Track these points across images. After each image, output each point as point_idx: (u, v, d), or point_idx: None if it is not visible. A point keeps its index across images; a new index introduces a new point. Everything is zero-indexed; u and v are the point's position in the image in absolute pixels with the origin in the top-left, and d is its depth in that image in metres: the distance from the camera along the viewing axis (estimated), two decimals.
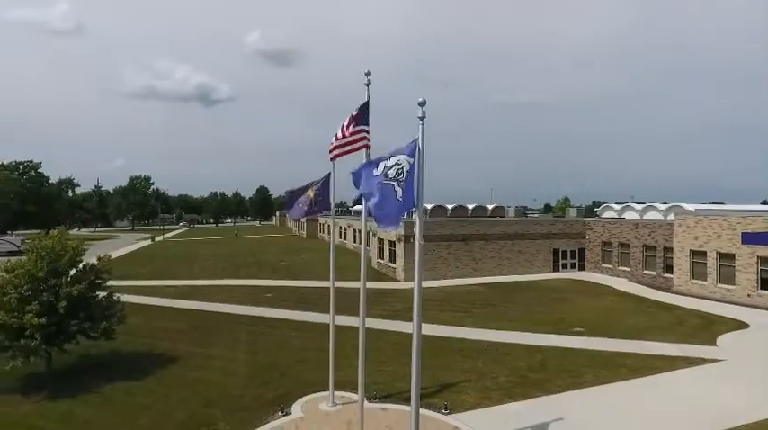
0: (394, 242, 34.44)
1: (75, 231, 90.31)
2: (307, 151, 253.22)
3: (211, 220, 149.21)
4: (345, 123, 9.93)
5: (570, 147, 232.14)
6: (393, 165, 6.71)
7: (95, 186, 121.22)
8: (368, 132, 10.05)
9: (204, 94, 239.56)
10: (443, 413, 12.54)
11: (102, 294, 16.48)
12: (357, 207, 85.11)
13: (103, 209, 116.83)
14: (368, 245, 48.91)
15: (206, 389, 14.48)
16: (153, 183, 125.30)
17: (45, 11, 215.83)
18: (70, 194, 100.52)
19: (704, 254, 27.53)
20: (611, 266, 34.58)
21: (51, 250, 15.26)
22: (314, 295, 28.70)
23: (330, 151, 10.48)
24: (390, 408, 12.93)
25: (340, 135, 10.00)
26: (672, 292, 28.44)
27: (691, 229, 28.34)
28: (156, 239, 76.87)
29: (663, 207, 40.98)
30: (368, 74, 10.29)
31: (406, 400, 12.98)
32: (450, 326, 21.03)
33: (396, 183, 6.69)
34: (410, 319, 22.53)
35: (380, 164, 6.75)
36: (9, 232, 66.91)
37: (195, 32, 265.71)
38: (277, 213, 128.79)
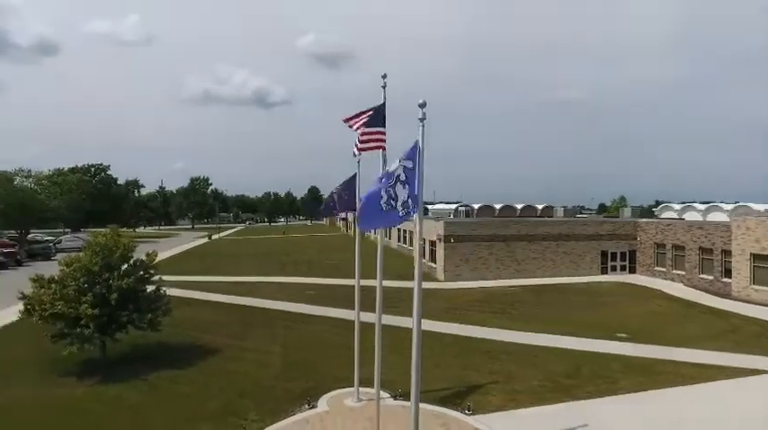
0: (435, 242, 34.41)
1: (141, 229, 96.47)
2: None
3: (265, 219, 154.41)
4: (360, 121, 10.08)
5: (633, 146, 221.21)
6: (394, 172, 6.89)
7: (159, 187, 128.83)
8: (384, 134, 10.24)
9: (261, 97, 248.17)
10: (466, 414, 12.54)
11: (150, 288, 17.68)
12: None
13: (166, 208, 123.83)
14: (409, 244, 48.82)
15: (241, 379, 15.21)
16: (211, 184, 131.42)
17: (117, 22, 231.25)
18: (136, 194, 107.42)
19: (767, 258, 25.65)
20: (664, 269, 32.86)
21: (105, 247, 16.52)
22: (353, 292, 29.23)
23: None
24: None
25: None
26: (730, 298, 26.69)
27: (752, 231, 26.47)
28: (213, 237, 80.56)
29: (728, 207, 38.47)
30: (384, 76, 10.54)
31: (431, 400, 13.16)
32: (484, 328, 20.85)
33: (383, 189, 6.84)
34: (447, 320, 22.72)
35: (386, 175, 6.91)
36: (82, 229, 72.56)
37: (253, 38, 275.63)
38: None
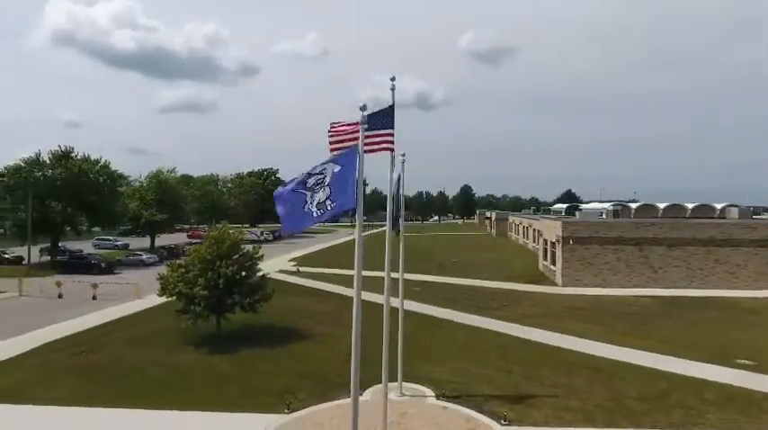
0: (554, 243, 32.12)
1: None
2: (521, 150, 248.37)
3: (417, 218, 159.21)
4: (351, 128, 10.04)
5: None
6: (316, 174, 7.29)
7: None
8: (393, 135, 10.42)
9: (422, 99, 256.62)
10: (501, 423, 12.04)
11: (258, 275, 20.43)
12: (557, 206, 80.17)
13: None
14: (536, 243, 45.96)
15: (312, 363, 16.76)
16: (367, 184, 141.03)
17: (299, 41, 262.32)
18: None
19: None
20: None
21: (217, 239, 19.66)
22: (460, 292, 29.19)
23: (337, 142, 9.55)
24: (451, 409, 12.99)
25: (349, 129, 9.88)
26: None
27: None
28: (363, 234, 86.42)
29: None
30: (393, 79, 10.75)
31: (471, 404, 12.94)
32: (576, 338, 19.19)
33: (309, 194, 7.22)
34: (538, 326, 21.53)
35: (306, 177, 7.32)
36: (256, 225, 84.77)
37: (414, 42, 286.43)
38: (477, 212, 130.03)
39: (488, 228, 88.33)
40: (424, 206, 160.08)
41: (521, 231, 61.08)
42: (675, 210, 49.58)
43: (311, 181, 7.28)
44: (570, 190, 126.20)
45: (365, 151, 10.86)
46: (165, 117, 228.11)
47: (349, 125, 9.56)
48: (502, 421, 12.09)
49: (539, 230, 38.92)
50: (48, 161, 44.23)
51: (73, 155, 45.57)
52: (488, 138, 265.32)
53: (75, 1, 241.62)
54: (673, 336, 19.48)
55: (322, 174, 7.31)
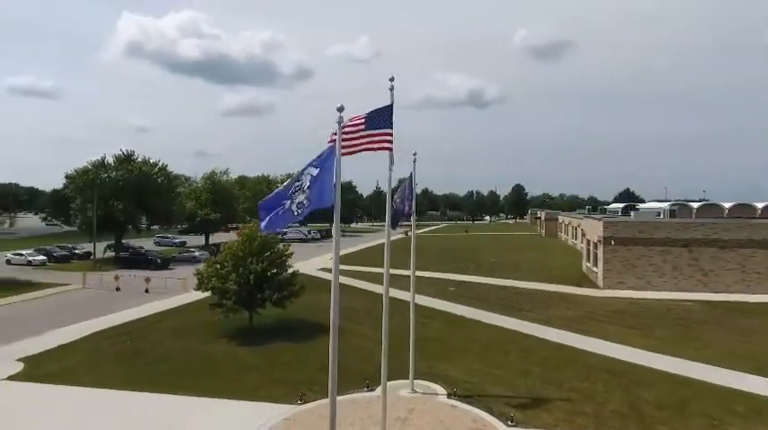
0: (596, 244, 30.93)
1: (354, 224, 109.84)
2: (579, 147, 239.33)
3: (467, 217, 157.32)
4: (360, 121, 10.27)
5: None
6: (296, 182, 7.62)
7: (375, 188, 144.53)
8: (391, 135, 10.56)
9: (475, 97, 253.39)
10: (507, 424, 11.96)
11: (288, 272, 21.22)
12: (613, 206, 76.68)
13: (378, 206, 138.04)
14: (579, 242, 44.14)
15: None
16: (417, 184, 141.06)
17: (352, 44, 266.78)
18: (359, 194, 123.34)
19: None
20: None
21: (248, 237, 20.63)
22: (493, 293, 28.82)
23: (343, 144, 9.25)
24: (460, 408, 13.03)
25: (353, 130, 10.15)
26: None
27: None
28: (408, 234, 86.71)
29: None
30: (392, 79, 10.91)
31: (481, 404, 12.92)
32: (603, 341, 18.56)
33: (289, 202, 7.56)
34: (569, 329, 21.00)
35: (288, 186, 7.67)
36: (305, 224, 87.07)
37: (467, 40, 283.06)
38: (529, 212, 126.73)
39: (538, 228, 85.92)
40: (474, 206, 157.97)
41: (569, 231, 59.06)
42: (742, 209, 46.42)
43: (292, 189, 7.63)
44: (629, 188, 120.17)
45: (365, 149, 11.16)
46: (227, 120, 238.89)
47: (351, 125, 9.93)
48: (508, 422, 11.99)
49: (583, 230, 37.58)
50: (111, 164, 47.72)
51: (134, 158, 48.89)
52: (544, 135, 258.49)
53: (146, 14, 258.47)
54: (715, 344, 18.35)
55: (299, 181, 7.66)
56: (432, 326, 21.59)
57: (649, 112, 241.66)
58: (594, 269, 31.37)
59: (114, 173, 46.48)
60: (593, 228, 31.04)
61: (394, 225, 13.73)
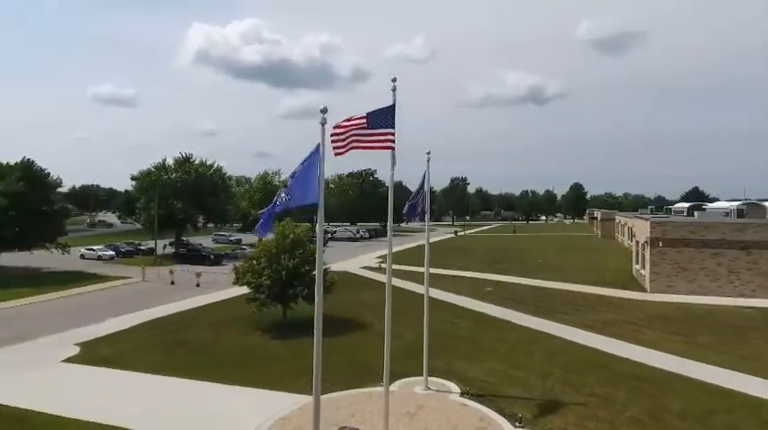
0: (644, 245, 29.41)
1: (404, 224, 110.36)
2: (645, 143, 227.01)
3: (522, 217, 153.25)
4: (359, 121, 10.50)
5: None
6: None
7: (431, 188, 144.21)
8: (393, 134, 10.76)
9: (536, 94, 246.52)
10: (515, 425, 11.87)
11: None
12: (678, 205, 72.14)
13: (431, 205, 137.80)
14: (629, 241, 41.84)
15: (358, 353, 17.72)
16: (468, 184, 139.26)
17: (407, 44, 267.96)
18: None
19: None
20: None
21: (281, 234, 21.51)
22: (531, 294, 28.21)
23: (342, 141, 10.03)
24: (470, 406, 13.06)
25: (353, 129, 10.39)
26: None
27: None
28: (459, 233, 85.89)
29: None
30: (394, 80, 11.10)
31: (492, 404, 12.90)
32: (637, 347, 17.84)
33: (276, 204, 7.97)
34: (603, 333, 20.28)
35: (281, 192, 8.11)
36: (353, 224, 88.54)
37: (526, 36, 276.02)
38: (587, 212, 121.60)
39: (595, 228, 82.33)
40: (529, 206, 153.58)
41: (625, 232, 56.23)
42: None
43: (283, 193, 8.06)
44: (697, 187, 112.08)
45: (366, 148, 11.41)
46: (286, 122, 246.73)
47: (350, 124, 10.27)
48: (516, 423, 11.88)
49: (632, 231, 35.81)
50: (171, 166, 50.96)
51: (192, 160, 51.93)
52: (608, 131, 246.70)
53: (212, 23, 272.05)
54: (765, 354, 17.07)
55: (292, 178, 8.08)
56: (461, 326, 21.55)
57: (726, 106, 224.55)
58: (642, 272, 29.85)
59: (174, 174, 49.58)
60: (641, 228, 29.52)
61: (407, 219, 14.03)
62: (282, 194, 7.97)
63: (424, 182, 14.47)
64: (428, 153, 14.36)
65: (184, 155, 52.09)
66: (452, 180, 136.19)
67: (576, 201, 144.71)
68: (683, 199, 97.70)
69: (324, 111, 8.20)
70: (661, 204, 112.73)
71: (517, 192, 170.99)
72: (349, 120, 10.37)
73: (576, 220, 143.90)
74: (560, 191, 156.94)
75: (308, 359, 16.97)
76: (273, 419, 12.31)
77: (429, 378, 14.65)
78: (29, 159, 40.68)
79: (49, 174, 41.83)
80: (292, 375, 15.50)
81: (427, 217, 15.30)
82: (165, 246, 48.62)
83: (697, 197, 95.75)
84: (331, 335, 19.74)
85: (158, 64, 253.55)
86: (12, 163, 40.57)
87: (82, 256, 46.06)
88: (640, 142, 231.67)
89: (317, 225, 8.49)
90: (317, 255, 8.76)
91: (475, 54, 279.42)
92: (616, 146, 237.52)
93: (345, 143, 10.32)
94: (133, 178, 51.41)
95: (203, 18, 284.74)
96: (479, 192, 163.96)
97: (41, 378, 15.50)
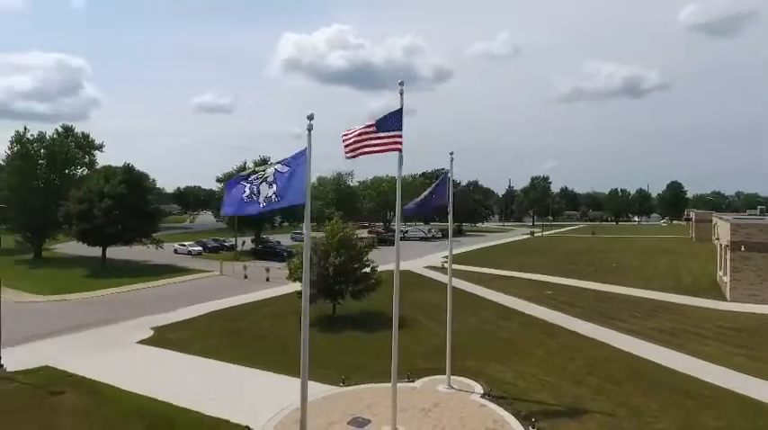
0: (726, 249, 26.75)
1: (480, 224, 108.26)
2: (764, 131, 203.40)
3: (611, 218, 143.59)
4: (367, 128, 11.07)
5: None
6: (259, 172, 8.73)
7: (508, 187, 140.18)
8: (401, 137, 11.15)
9: (631, 86, 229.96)
10: (528, 429, 11.76)
11: (367, 267, 22.79)
12: None
13: (510, 206, 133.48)
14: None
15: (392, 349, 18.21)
16: (551, 182, 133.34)
17: (490, 41, 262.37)
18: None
19: None
20: None
21: (330, 232, 22.64)
22: (591, 299, 26.98)
23: (351, 145, 11.03)
24: (488, 407, 13.13)
25: (360, 132, 10.93)
26: None
27: None
28: (536, 234, 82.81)
29: None
30: (401, 83, 11.46)
31: (513, 407, 12.89)
32: (690, 358, 16.65)
33: (248, 186, 8.66)
34: (656, 342, 19.24)
35: (250, 174, 8.86)
36: (425, 224, 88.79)
37: (619, 24, 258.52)
38: (685, 212, 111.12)
39: (690, 230, 75.24)
40: (619, 205, 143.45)
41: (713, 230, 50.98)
42: None
43: (252, 177, 8.84)
44: None
45: (374, 151, 11.90)
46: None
47: (357, 130, 10.94)
48: (530, 428, 11.76)
49: (718, 234, 32.61)
50: (251, 167, 54.76)
51: (269, 161, 55.44)
52: (714, 122, 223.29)
53: (300, 32, 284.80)
54: None
55: (264, 172, 8.82)
56: (505, 328, 21.28)
57: None
58: (724, 279, 27.19)
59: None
60: (723, 230, 26.88)
61: (416, 213, 14.25)
62: (270, 192, 8.65)
63: (440, 180, 14.65)
64: (451, 153, 14.52)
65: (262, 157, 55.71)
66: (533, 179, 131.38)
67: (674, 201, 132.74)
68: None
69: (310, 118, 8.83)
70: None
71: (606, 191, 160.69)
72: (357, 128, 11.06)
73: (672, 222, 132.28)
74: (655, 190, 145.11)
75: (344, 353, 18.06)
76: (296, 405, 13.22)
77: (456, 377, 14.84)
78: (129, 164, 45.91)
79: (147, 176, 46.92)
80: (326, 366, 16.23)
81: (450, 217, 15.41)
82: (243, 243, 52.35)
83: None
84: (374, 331, 20.52)
85: (254, 72, 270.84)
86: (117, 167, 46.11)
87: (175, 251, 50.95)
88: (754, 134, 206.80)
89: (305, 224, 9.08)
90: (305, 253, 9.39)
91: (561, 47, 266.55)
92: (724, 139, 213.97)
93: (355, 147, 11.02)
94: (218, 180, 55.95)
95: (292, 28, 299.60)
96: (564, 190, 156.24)
97: (118, 357, 17.85)
